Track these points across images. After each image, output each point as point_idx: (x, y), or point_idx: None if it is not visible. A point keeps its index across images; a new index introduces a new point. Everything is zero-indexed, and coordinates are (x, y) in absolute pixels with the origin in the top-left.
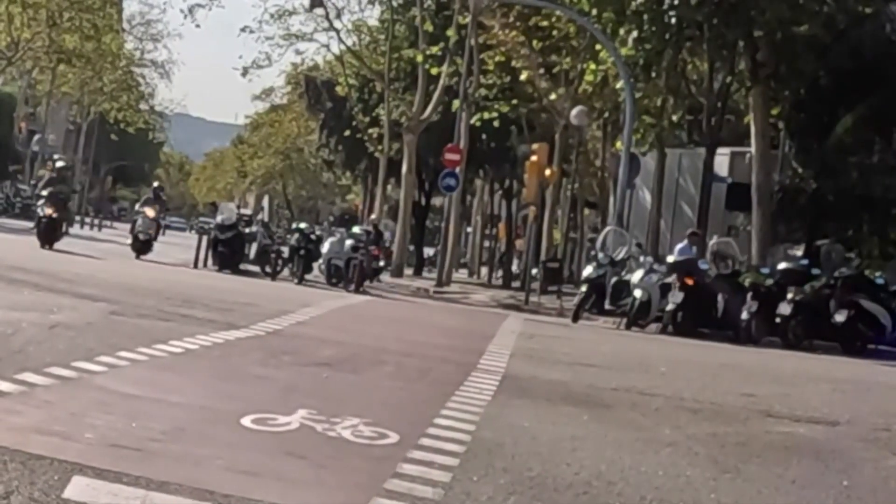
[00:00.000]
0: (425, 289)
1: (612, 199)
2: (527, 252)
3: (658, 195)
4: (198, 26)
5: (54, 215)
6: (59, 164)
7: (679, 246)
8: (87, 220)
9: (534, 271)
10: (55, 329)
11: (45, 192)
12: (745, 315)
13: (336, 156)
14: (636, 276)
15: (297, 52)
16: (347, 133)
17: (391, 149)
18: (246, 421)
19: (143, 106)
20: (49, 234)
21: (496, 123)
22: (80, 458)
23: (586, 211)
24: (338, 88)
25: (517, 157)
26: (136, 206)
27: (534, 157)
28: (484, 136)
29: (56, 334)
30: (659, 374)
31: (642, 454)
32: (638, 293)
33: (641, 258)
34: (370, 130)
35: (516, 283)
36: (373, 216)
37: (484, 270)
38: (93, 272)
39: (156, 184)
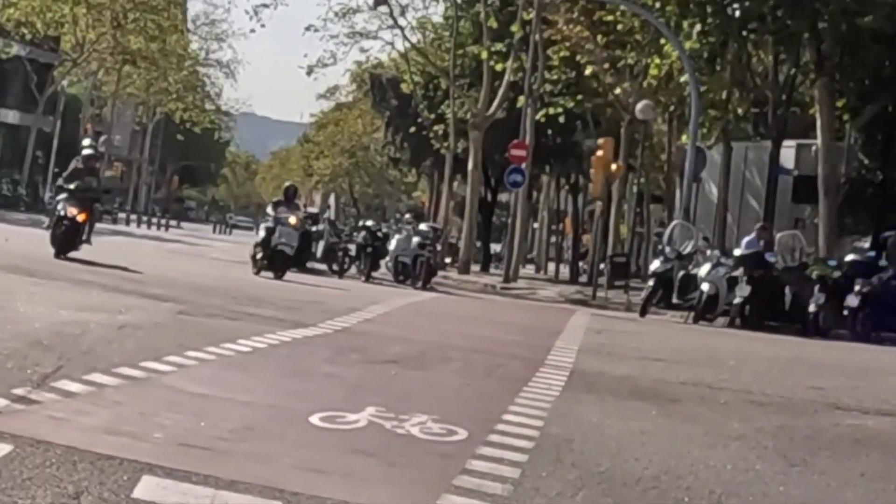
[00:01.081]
0: (492, 285)
1: (678, 194)
2: (594, 247)
3: (724, 189)
4: (263, 26)
5: (78, 218)
6: (86, 151)
7: (746, 239)
8: (154, 220)
9: (601, 266)
10: (123, 329)
11: (70, 186)
12: (812, 307)
13: (402, 153)
14: (703, 270)
15: (362, 51)
16: (413, 130)
17: (457, 146)
18: (314, 419)
19: (208, 106)
20: (67, 241)
21: (561, 119)
22: (150, 457)
23: (652, 206)
24: (403, 86)
25: (583, 152)
26: (268, 210)
27: (600, 152)
28: (549, 132)
29: (124, 334)
30: (727, 368)
31: (711, 448)
32: (705, 287)
33: (708, 252)
34: (436, 127)
35: (583, 279)
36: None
37: (551, 266)
38: (163, 272)
39: (287, 182)
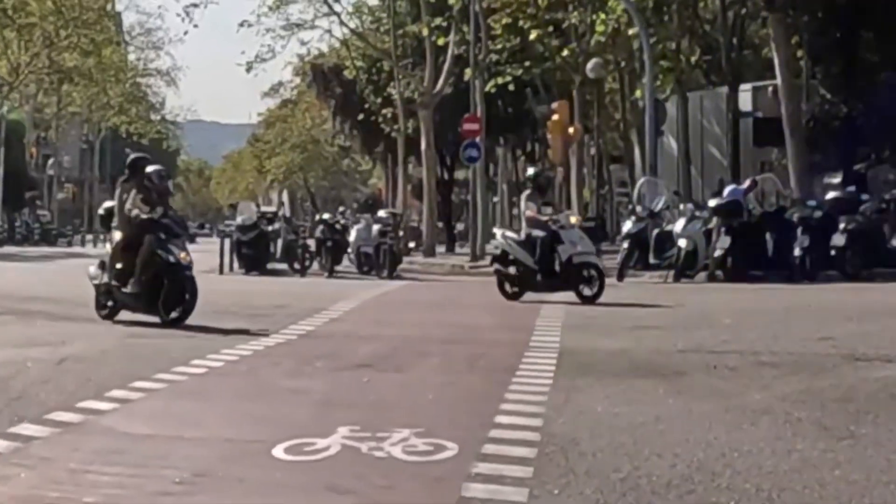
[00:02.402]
0: (460, 265)
1: (637, 152)
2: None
3: (685, 140)
4: (196, 26)
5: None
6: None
7: (731, 187)
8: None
9: None
10: (64, 364)
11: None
12: (797, 252)
13: (352, 141)
14: (678, 226)
15: (302, 43)
16: (361, 117)
17: (407, 127)
18: (279, 451)
19: (153, 116)
20: None
21: (511, 88)
22: None
23: (612, 166)
24: (346, 73)
25: (536, 119)
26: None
27: (555, 116)
28: (500, 103)
29: (64, 370)
30: (725, 328)
31: (739, 429)
32: (683, 243)
33: (681, 206)
34: (383, 111)
35: None
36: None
37: None
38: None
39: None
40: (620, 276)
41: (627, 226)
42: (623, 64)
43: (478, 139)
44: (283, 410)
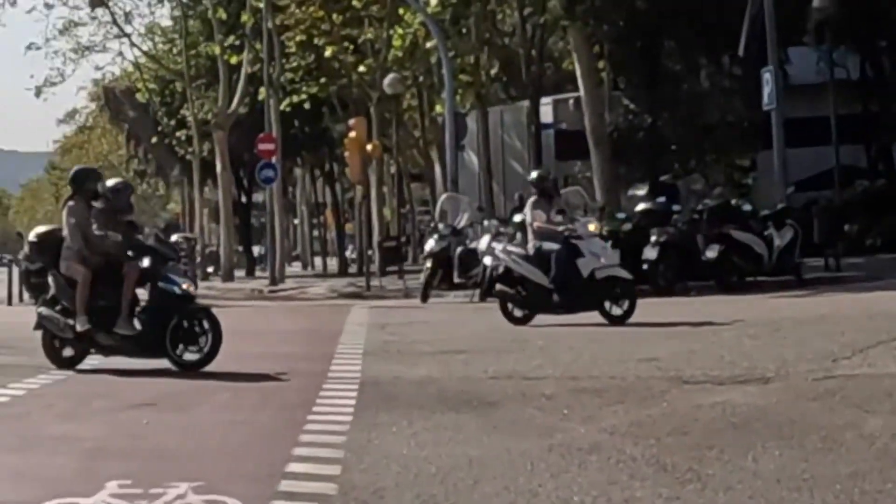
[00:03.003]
0: (259, 290)
1: (437, 169)
2: (359, 234)
3: (486, 155)
4: None
5: None
6: None
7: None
8: None
9: (369, 253)
10: None
11: None
12: None
13: (147, 165)
14: (483, 243)
15: (97, 68)
16: (155, 140)
17: (202, 149)
18: None
19: None
20: None
21: (307, 106)
22: None
23: (412, 184)
24: (138, 95)
25: (334, 138)
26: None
27: (352, 133)
28: (296, 122)
29: None
30: (537, 350)
31: (566, 472)
32: (488, 261)
33: (485, 223)
34: (178, 133)
35: (353, 269)
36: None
37: (318, 261)
38: None
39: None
40: (424, 297)
41: (430, 244)
42: (421, 79)
43: (274, 159)
44: (47, 463)
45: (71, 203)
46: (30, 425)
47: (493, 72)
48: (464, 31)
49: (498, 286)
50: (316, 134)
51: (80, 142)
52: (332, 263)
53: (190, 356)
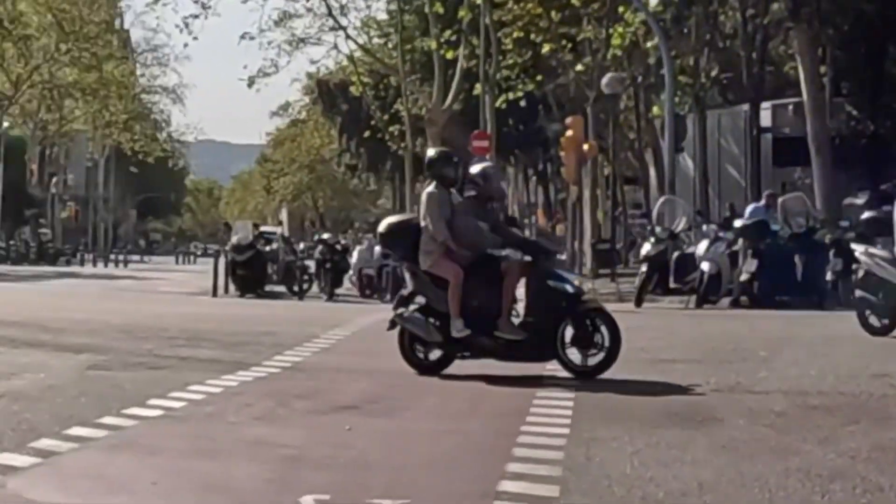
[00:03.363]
0: None
1: (652, 172)
2: (572, 236)
3: (703, 160)
4: (195, 38)
5: None
6: None
7: (752, 207)
8: (112, 257)
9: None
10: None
11: None
12: (829, 276)
13: (358, 160)
14: (701, 248)
15: (312, 61)
16: (367, 134)
17: (415, 145)
18: None
19: (159, 135)
20: None
21: (522, 104)
22: None
23: (626, 187)
24: (352, 89)
25: (548, 138)
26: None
27: (569, 132)
28: (511, 121)
29: None
30: (760, 361)
31: (809, 502)
32: (705, 266)
33: (704, 227)
34: (391, 128)
35: None
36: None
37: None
38: (94, 314)
39: None
40: (639, 302)
41: (646, 248)
42: (640, 79)
43: (487, 157)
44: (237, 472)
45: (431, 189)
46: (223, 427)
47: (712, 74)
48: (685, 31)
49: (858, 292)
50: (530, 133)
51: (292, 134)
52: None
53: (589, 360)
